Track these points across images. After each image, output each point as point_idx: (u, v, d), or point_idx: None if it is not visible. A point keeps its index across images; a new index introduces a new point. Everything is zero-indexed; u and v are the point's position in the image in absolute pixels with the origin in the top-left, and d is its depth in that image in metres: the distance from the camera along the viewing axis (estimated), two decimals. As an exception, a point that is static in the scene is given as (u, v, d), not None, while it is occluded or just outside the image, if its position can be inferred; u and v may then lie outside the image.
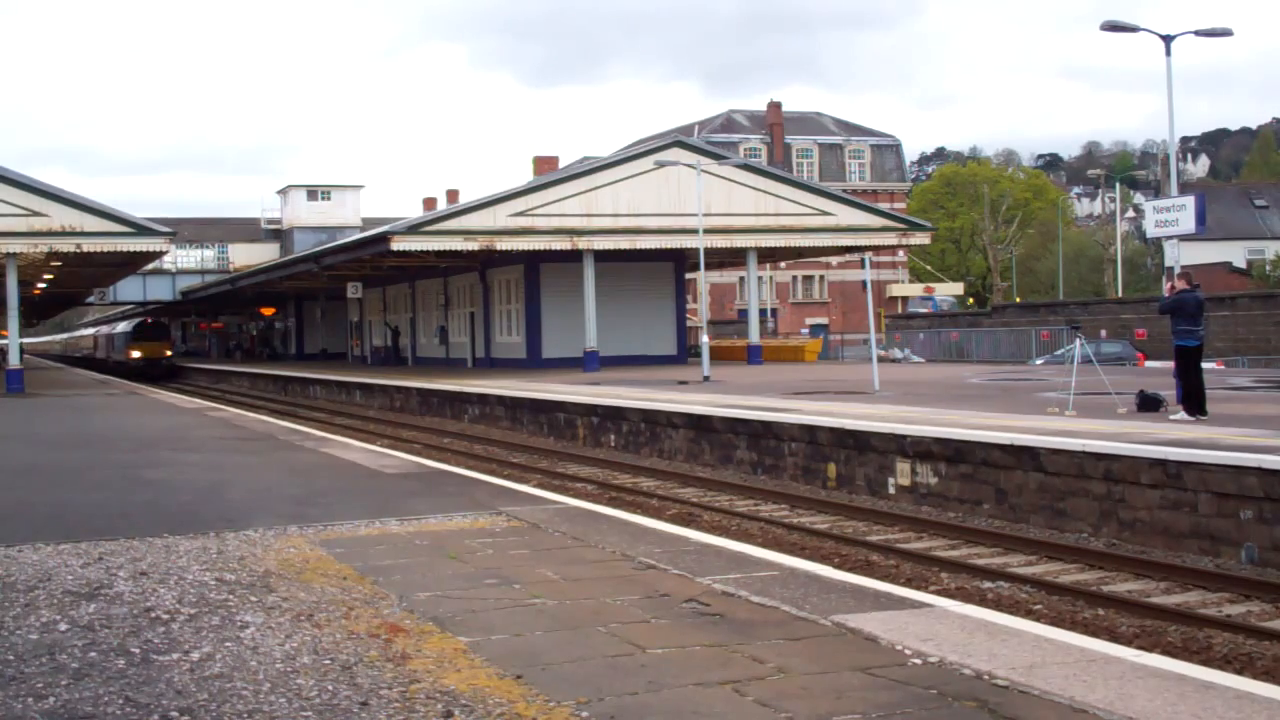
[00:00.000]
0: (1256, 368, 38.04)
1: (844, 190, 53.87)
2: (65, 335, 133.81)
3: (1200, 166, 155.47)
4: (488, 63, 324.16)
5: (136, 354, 70.08)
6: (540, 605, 7.65)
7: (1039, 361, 40.72)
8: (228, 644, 6.78)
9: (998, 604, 11.04)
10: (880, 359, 32.47)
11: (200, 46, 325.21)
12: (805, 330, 71.60)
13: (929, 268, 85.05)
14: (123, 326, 78.72)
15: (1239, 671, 8.61)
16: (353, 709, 5.62)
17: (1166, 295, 17.88)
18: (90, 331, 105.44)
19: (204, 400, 37.73)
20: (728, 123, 76.81)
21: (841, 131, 78.79)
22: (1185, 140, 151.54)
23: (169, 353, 73.33)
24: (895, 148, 79.27)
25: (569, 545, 9.87)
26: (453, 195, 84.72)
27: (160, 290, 73.98)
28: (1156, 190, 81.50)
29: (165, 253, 42.08)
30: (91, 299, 73.36)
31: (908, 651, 6.44)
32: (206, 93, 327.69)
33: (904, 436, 16.95)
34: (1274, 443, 13.43)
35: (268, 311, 78.16)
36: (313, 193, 76.28)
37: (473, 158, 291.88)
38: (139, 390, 41.78)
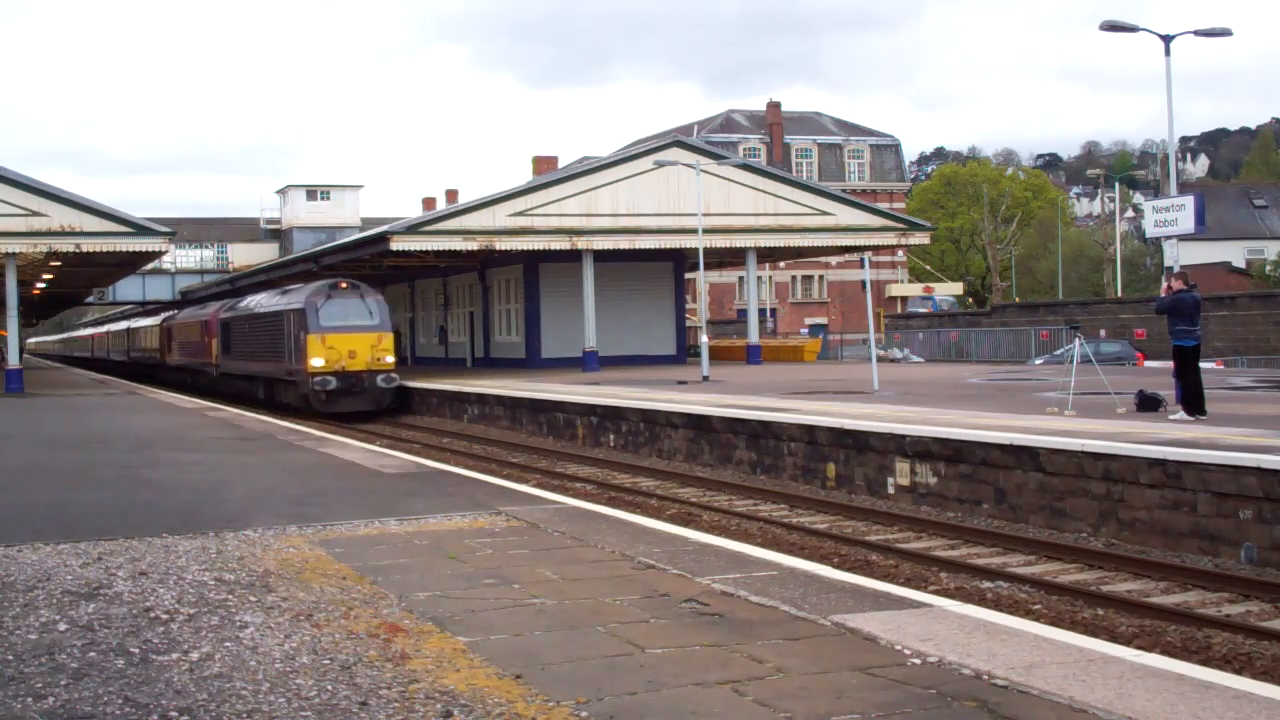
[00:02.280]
0: (1256, 368, 38.04)
1: (843, 190, 53.89)
2: (95, 330, 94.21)
3: (1200, 166, 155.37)
4: (489, 64, 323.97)
5: (319, 361, 33.20)
6: (539, 605, 7.65)
7: (1038, 361, 40.70)
8: (227, 644, 6.78)
9: (997, 604, 11.04)
10: (879, 359, 32.46)
11: (201, 47, 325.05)
12: (804, 330, 71.58)
13: (928, 268, 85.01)
14: (266, 301, 39.32)
15: (1238, 671, 8.61)
16: (352, 709, 5.62)
17: (1163, 295, 17.89)
18: (148, 322, 62.32)
19: (202, 400, 37.70)
20: (727, 123, 76.79)
21: (841, 131, 78.79)
22: (1185, 140, 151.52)
23: (390, 357, 34.69)
24: (894, 147, 79.27)
25: (568, 545, 9.87)
26: (452, 195, 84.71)
27: (159, 290, 73.83)
28: (1156, 190, 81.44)
29: (164, 252, 42.11)
30: (91, 299, 73.22)
31: (907, 651, 6.44)
32: (207, 93, 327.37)
33: (903, 436, 16.94)
34: (1273, 443, 13.43)
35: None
36: (312, 193, 76.23)
37: (473, 158, 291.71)
38: (138, 390, 41.77)
